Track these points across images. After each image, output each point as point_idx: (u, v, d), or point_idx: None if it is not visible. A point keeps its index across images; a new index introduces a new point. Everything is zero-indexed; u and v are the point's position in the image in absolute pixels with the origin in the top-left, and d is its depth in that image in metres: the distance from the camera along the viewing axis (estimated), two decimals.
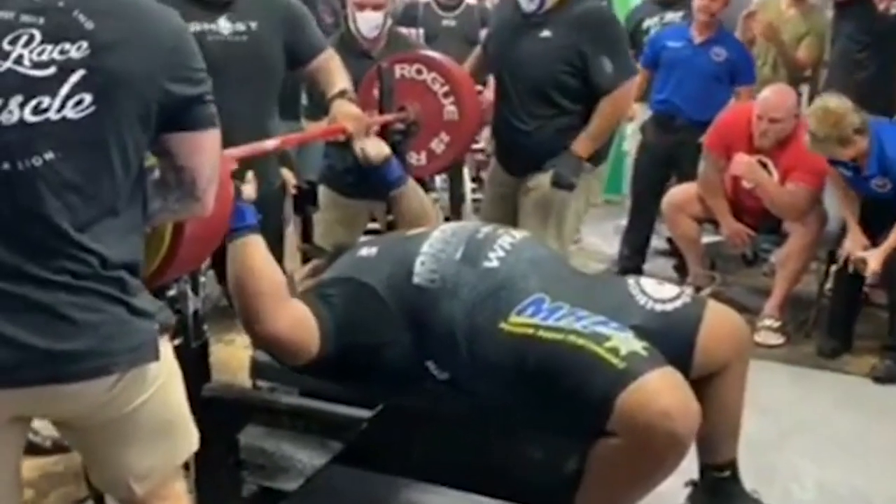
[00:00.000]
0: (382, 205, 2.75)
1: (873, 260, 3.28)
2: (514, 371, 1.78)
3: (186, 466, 1.67)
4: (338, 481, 1.99)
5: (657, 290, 1.96)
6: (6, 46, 1.29)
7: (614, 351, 1.69)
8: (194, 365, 1.90)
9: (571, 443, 1.83)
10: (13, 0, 1.31)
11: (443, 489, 1.94)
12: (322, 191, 3.26)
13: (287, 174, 3.02)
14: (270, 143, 2.30)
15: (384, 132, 2.66)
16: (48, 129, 1.29)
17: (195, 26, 2.28)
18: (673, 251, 4.43)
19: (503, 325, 1.82)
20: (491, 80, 3.46)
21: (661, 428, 1.62)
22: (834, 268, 3.55)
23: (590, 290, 1.97)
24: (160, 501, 1.55)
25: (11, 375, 1.32)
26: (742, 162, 3.66)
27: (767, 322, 3.68)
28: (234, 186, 1.83)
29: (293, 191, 3.07)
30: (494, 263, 1.91)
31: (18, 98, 1.28)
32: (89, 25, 1.31)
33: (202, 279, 1.99)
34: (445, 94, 2.96)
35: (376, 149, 2.45)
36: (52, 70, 1.29)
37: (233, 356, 2.53)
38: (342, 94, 2.54)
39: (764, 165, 3.67)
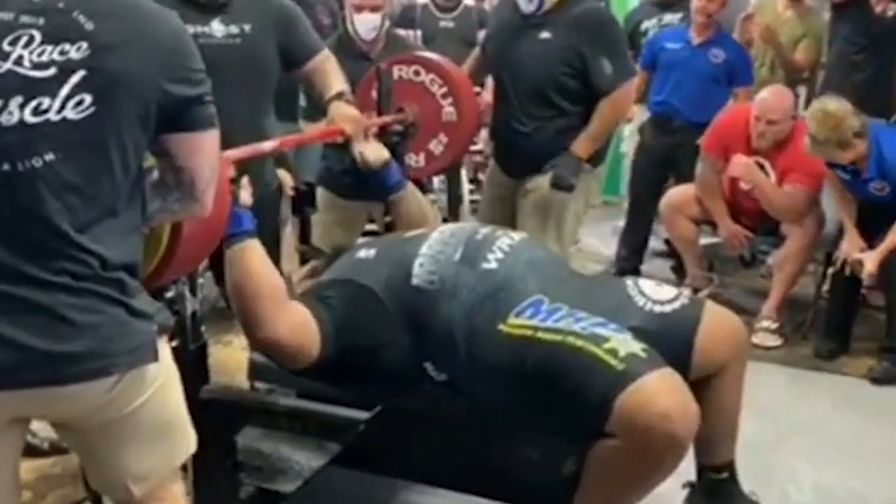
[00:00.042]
0: (380, 206, 2.75)
1: (870, 262, 3.29)
2: (513, 372, 1.78)
3: (184, 468, 1.68)
4: (336, 483, 1.99)
5: (656, 292, 1.96)
6: (6, 47, 1.29)
7: (613, 352, 1.69)
8: (192, 366, 1.89)
9: (570, 444, 1.83)
10: (13, 1, 1.31)
11: (441, 491, 1.94)
12: (320, 192, 3.25)
13: (284, 175, 3.01)
14: (268, 145, 2.30)
15: (382, 133, 2.65)
16: (48, 129, 1.29)
17: (189, 29, 2.28)
18: (671, 252, 4.44)
19: (502, 327, 1.82)
20: (489, 81, 3.46)
21: (659, 429, 1.62)
22: (831, 270, 3.55)
23: (588, 291, 1.97)
24: (158, 503, 1.55)
25: (11, 377, 1.32)
26: (740, 163, 3.66)
27: (765, 323, 3.69)
28: (231, 191, 1.83)
29: (291, 192, 3.06)
30: (493, 265, 1.91)
31: (18, 99, 1.28)
32: (89, 26, 1.31)
33: (200, 281, 1.99)
34: (444, 96, 2.96)
35: (375, 153, 2.45)
36: (52, 71, 1.29)
37: (231, 358, 2.52)
38: (340, 95, 2.55)
39: (761, 167, 3.67)
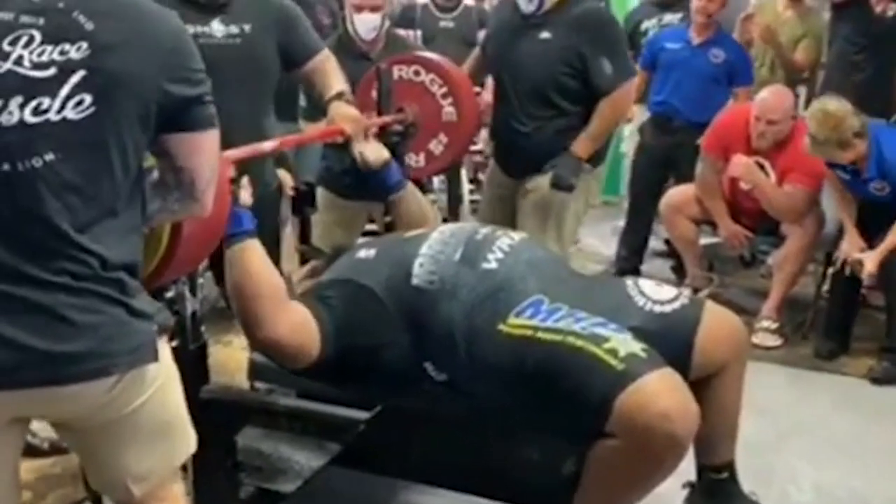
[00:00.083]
0: (380, 206, 2.75)
1: (869, 261, 3.29)
2: (513, 372, 1.78)
3: (184, 468, 1.67)
4: (336, 483, 1.99)
5: (656, 292, 1.96)
6: (6, 47, 1.29)
7: (613, 352, 1.69)
8: (192, 366, 1.89)
9: (570, 444, 1.83)
10: (13, 1, 1.31)
11: (441, 491, 1.94)
12: (320, 192, 3.25)
13: (284, 175, 3.01)
14: (268, 145, 2.30)
15: (382, 133, 2.65)
16: (48, 129, 1.29)
17: (188, 29, 2.29)
18: (671, 252, 4.44)
19: (502, 327, 1.82)
20: (489, 81, 3.46)
21: (659, 429, 1.62)
22: (831, 270, 3.55)
23: (588, 291, 1.97)
24: (158, 503, 1.55)
25: (11, 377, 1.32)
26: (740, 163, 3.66)
27: (765, 323, 3.69)
28: (231, 191, 1.83)
29: (291, 192, 3.06)
30: (493, 265, 1.91)
31: (18, 99, 1.28)
32: (89, 26, 1.31)
33: (200, 281, 1.99)
34: (444, 96, 2.96)
35: (375, 153, 2.45)
36: (52, 71, 1.29)
37: (231, 358, 2.52)
38: (340, 95, 2.55)
39: (761, 167, 3.67)
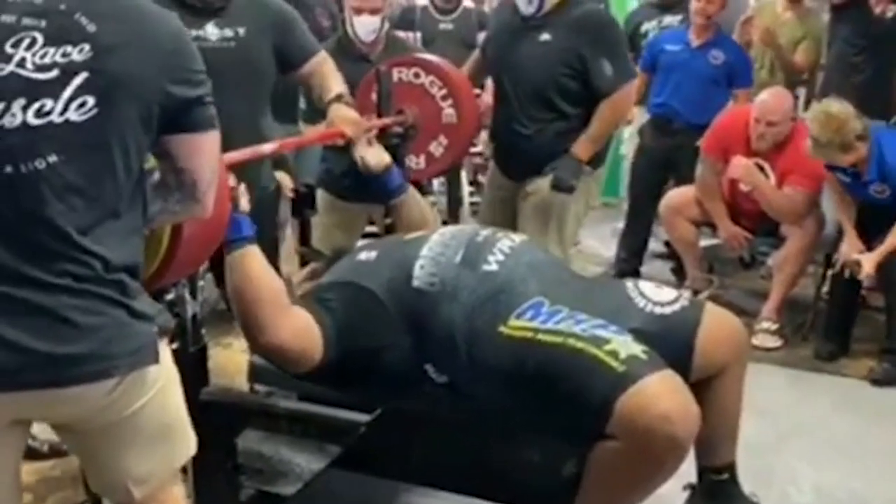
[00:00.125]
0: (380, 208, 2.75)
1: (868, 263, 3.29)
2: (514, 374, 1.78)
3: (184, 470, 1.67)
4: (336, 485, 1.99)
5: (656, 293, 1.96)
6: (8, 50, 1.29)
7: (614, 354, 1.69)
8: (192, 369, 1.89)
9: (570, 446, 1.83)
10: (15, 3, 1.31)
11: (442, 493, 1.94)
12: (320, 194, 3.26)
13: (284, 177, 3.01)
14: (268, 147, 2.30)
15: (382, 136, 2.66)
16: (51, 131, 1.29)
17: None
18: (670, 254, 4.44)
19: (502, 329, 1.82)
20: (489, 83, 3.46)
21: (660, 431, 1.62)
22: (831, 271, 3.55)
23: (588, 293, 1.97)
24: None
25: (13, 379, 1.31)
26: (739, 165, 3.66)
27: (765, 325, 3.69)
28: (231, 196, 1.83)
29: (290, 194, 3.06)
30: (494, 267, 1.91)
31: (21, 101, 1.28)
32: (91, 28, 1.31)
33: (200, 283, 1.99)
34: (444, 98, 2.96)
35: (376, 157, 2.45)
36: (54, 73, 1.29)
37: (231, 360, 2.52)
38: (339, 97, 2.55)
39: (761, 168, 3.67)
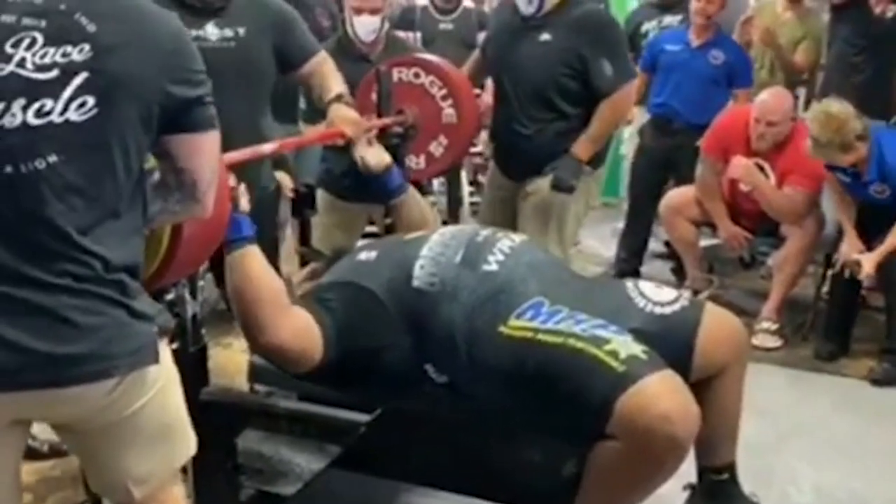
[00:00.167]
0: (380, 208, 2.75)
1: (867, 263, 3.29)
2: (514, 374, 1.78)
3: (184, 470, 1.67)
4: (336, 485, 1.99)
5: (656, 293, 1.96)
6: (8, 50, 1.29)
7: (614, 354, 1.69)
8: (192, 369, 1.89)
9: (570, 446, 1.83)
10: (15, 3, 1.31)
11: (442, 493, 1.94)
12: (320, 194, 3.26)
13: (284, 177, 3.01)
14: (268, 147, 2.30)
15: (382, 135, 2.66)
16: (51, 131, 1.29)
17: None
18: (670, 254, 4.44)
19: (502, 329, 1.82)
20: (489, 83, 3.46)
21: (660, 431, 1.62)
22: (831, 271, 3.55)
23: (588, 293, 1.97)
24: None
25: (13, 379, 1.31)
26: (739, 165, 3.66)
27: (765, 325, 3.69)
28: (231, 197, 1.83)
29: (290, 194, 3.06)
30: (494, 267, 1.91)
31: (21, 101, 1.28)
32: (91, 28, 1.31)
33: (200, 283, 1.99)
34: (444, 98, 2.96)
35: (377, 158, 2.45)
36: (54, 73, 1.29)
37: (231, 360, 2.52)
38: (339, 97, 2.55)
39: (761, 168, 3.67)
